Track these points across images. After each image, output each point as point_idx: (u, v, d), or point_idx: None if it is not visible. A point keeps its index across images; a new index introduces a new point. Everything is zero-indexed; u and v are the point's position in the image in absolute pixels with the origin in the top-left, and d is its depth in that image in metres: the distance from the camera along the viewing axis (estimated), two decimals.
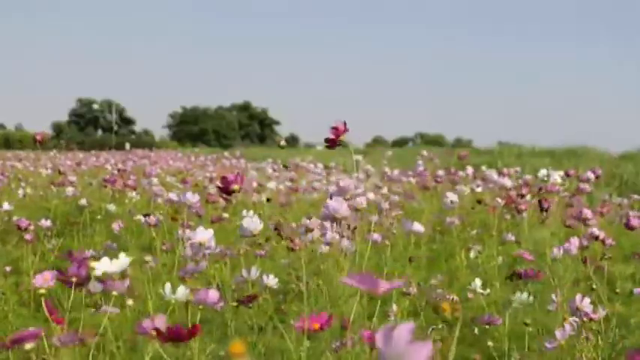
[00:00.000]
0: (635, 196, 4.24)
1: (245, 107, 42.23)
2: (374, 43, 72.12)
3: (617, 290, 1.78)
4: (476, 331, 1.70)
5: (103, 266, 1.04)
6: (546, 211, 1.75)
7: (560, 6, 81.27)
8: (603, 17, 76.03)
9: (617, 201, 3.88)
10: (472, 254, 2.02)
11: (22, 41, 65.09)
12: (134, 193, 3.37)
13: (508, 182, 2.21)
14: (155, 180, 3.62)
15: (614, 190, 6.00)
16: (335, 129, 1.15)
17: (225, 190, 1.12)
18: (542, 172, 2.74)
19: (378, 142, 30.15)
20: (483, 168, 5.01)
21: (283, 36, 70.92)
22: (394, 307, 1.24)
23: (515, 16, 79.11)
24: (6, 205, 2.28)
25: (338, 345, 1.20)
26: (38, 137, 2.17)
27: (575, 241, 1.46)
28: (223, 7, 74.76)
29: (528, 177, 4.12)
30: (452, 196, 1.61)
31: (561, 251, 1.46)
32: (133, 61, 65.65)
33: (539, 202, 1.73)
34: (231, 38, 70.15)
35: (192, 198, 1.54)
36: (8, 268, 2.18)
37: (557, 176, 2.55)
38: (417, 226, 1.37)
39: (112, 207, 3.35)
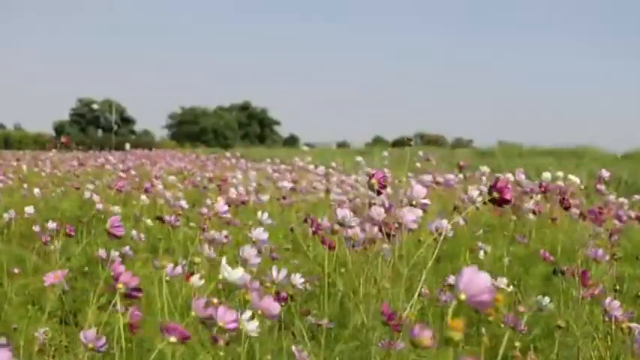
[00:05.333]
0: (636, 197, 4.24)
1: (245, 107, 42.23)
2: (374, 43, 72.16)
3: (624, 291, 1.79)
4: (483, 330, 1.70)
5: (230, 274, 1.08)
6: (567, 209, 1.76)
7: (560, 6, 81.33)
8: (603, 16, 76.11)
9: (619, 201, 3.89)
10: (481, 254, 2.02)
11: (22, 41, 65.06)
12: (144, 197, 3.37)
13: (534, 186, 2.21)
14: (159, 182, 3.62)
15: (614, 190, 6.00)
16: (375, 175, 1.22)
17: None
18: (546, 174, 2.75)
19: (378, 141, 30.15)
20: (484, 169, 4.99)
21: (283, 36, 70.97)
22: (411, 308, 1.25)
23: (515, 16, 79.17)
24: (29, 209, 2.31)
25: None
26: (63, 140, 2.19)
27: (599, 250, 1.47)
28: (223, 6, 74.76)
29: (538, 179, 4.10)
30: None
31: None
32: (133, 60, 65.63)
33: (561, 201, 1.75)
34: (231, 38, 70.20)
35: (222, 208, 1.62)
36: (17, 270, 2.19)
37: (574, 177, 2.56)
38: (444, 223, 1.39)
39: (116, 208, 3.35)
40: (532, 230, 2.46)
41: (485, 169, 3.15)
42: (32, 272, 2.34)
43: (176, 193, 3.92)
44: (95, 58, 63.39)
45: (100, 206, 3.21)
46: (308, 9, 74.20)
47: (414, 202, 1.25)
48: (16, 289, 2.10)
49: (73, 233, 1.91)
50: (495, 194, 1.08)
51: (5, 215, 2.53)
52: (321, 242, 1.66)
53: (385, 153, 7.98)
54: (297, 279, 1.37)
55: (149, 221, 2.98)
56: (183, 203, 3.31)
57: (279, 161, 7.69)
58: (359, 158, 5.92)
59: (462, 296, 0.68)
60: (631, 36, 72.07)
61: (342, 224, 1.38)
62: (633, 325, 1.31)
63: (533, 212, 2.34)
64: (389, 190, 3.26)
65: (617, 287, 1.39)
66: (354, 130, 62.45)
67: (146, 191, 3.43)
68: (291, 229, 2.58)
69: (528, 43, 72.32)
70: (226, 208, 1.63)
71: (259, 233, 1.44)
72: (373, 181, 1.21)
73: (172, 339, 0.95)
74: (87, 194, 3.69)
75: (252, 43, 67.82)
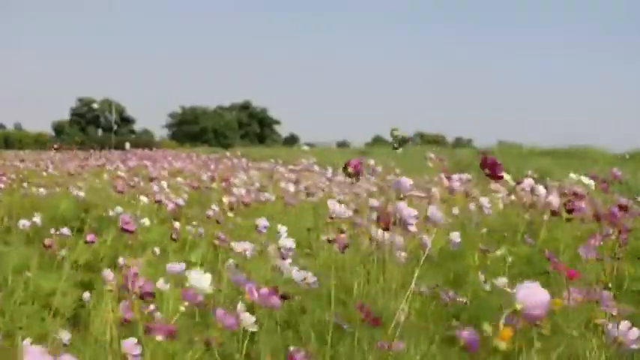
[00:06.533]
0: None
1: (245, 107, 42.25)
2: (374, 43, 72.14)
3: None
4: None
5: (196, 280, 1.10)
6: (571, 212, 1.77)
7: (560, 6, 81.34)
8: (603, 17, 76.12)
9: (622, 202, 3.89)
10: (499, 253, 2.04)
11: (22, 41, 65.00)
12: (144, 198, 3.39)
13: (555, 199, 2.23)
14: (164, 183, 3.63)
15: (614, 190, 6.00)
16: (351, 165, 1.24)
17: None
18: (573, 176, 2.78)
19: (378, 141, 30.15)
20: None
21: (284, 35, 70.94)
22: (405, 307, 1.26)
23: (515, 16, 79.15)
24: (36, 218, 2.35)
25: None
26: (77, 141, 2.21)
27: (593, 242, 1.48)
28: (223, 6, 74.74)
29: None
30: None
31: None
32: (133, 60, 65.58)
33: (565, 204, 1.76)
34: (231, 37, 70.17)
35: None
36: (22, 269, 2.20)
37: (585, 179, 2.57)
38: (455, 236, 1.40)
39: (119, 209, 3.36)
40: (539, 231, 2.47)
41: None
42: (37, 271, 2.35)
43: (180, 194, 3.93)
44: (95, 58, 63.41)
45: (102, 210, 3.24)
46: (308, 9, 74.18)
47: (402, 196, 1.25)
48: (22, 288, 2.11)
49: (94, 240, 1.91)
50: (487, 170, 1.14)
51: (19, 223, 2.57)
52: (333, 242, 1.67)
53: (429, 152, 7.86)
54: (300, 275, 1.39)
55: (147, 221, 2.98)
56: (181, 201, 3.31)
57: (281, 161, 7.69)
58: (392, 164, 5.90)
59: (519, 306, 0.71)
60: (631, 36, 72.09)
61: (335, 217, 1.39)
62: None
63: (552, 213, 2.34)
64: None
65: (610, 285, 1.40)
66: (354, 130, 62.43)
67: (151, 194, 3.44)
68: (308, 230, 2.61)
69: (528, 43, 72.36)
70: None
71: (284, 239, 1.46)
72: (350, 169, 1.22)
73: (159, 338, 0.96)
74: (85, 194, 3.71)
75: (252, 42, 67.82)
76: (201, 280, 1.12)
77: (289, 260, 1.44)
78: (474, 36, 74.15)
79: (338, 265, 1.95)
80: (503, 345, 0.66)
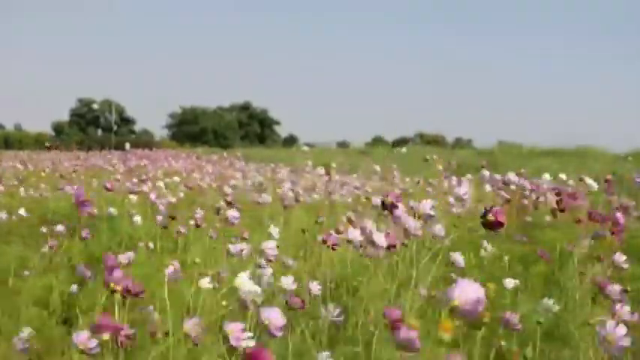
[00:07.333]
0: None
1: (245, 107, 42.25)
2: (374, 43, 72.17)
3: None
4: (483, 330, 1.70)
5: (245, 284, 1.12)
6: (562, 211, 1.75)
7: (560, 6, 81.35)
8: (603, 17, 76.13)
9: (622, 202, 3.88)
10: (483, 252, 2.02)
11: (22, 41, 65.04)
12: (134, 197, 3.38)
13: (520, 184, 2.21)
14: (161, 183, 3.62)
15: (614, 189, 5.98)
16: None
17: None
18: (545, 175, 2.76)
19: (378, 141, 30.13)
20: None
21: (284, 35, 70.98)
22: (406, 307, 1.24)
23: (515, 16, 79.18)
24: (22, 211, 2.33)
25: None
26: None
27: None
28: (223, 6, 74.78)
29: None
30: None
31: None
32: (133, 60, 65.59)
33: (557, 202, 1.74)
34: (231, 37, 70.21)
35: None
36: (27, 272, 2.19)
37: (588, 180, 2.56)
38: (439, 230, 1.39)
39: (112, 210, 3.34)
40: (536, 230, 2.46)
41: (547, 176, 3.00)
42: (36, 272, 2.34)
43: (176, 193, 3.92)
44: (95, 58, 63.38)
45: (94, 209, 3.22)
46: (308, 9, 74.20)
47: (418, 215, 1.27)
48: (21, 289, 2.10)
49: (88, 236, 1.91)
50: (491, 217, 1.14)
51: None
52: (323, 242, 1.65)
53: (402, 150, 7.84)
54: (314, 286, 1.38)
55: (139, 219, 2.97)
56: (174, 201, 3.28)
57: (282, 164, 7.68)
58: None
59: (456, 302, 0.72)
60: (631, 36, 72.09)
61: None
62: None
63: (553, 214, 2.32)
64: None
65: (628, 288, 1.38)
66: (354, 130, 62.41)
67: (138, 193, 3.42)
68: (303, 231, 2.59)
69: (528, 43, 72.34)
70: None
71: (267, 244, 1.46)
72: (389, 199, 1.24)
73: (105, 336, 0.95)
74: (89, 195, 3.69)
75: (252, 42, 67.82)
76: (249, 284, 1.15)
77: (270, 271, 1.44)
78: (474, 36, 74.14)
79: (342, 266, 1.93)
80: (447, 336, 0.68)
